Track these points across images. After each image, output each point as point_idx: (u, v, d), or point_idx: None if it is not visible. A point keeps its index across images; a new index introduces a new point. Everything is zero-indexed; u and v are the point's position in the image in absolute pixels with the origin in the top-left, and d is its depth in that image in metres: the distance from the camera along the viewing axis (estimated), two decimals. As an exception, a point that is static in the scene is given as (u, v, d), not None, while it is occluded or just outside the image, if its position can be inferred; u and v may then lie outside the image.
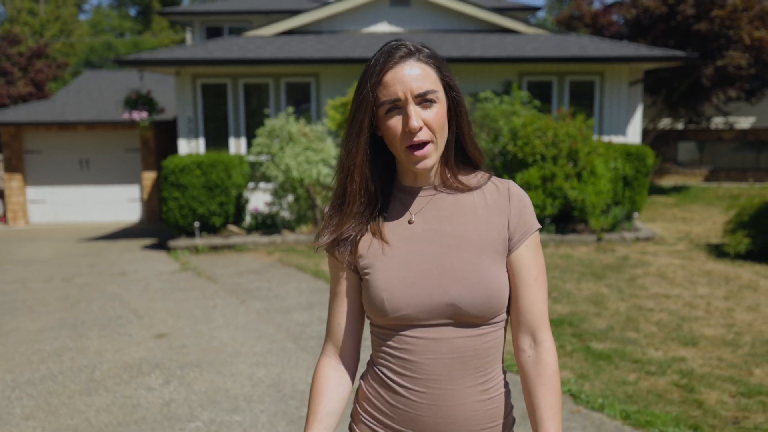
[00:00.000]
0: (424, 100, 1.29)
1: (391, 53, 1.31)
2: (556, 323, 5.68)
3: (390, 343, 1.37)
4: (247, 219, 11.33)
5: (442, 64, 1.34)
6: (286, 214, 10.86)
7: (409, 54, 1.31)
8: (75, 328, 5.97)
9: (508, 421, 1.42)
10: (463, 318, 1.32)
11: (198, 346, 5.36)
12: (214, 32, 18.15)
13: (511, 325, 1.42)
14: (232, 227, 10.71)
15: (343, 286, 1.43)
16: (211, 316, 6.29)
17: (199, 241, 10.18)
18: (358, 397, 1.47)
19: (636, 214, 10.74)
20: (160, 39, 49.43)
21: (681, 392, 4.20)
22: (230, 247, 10.10)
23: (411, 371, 1.34)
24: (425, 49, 1.34)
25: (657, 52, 11.57)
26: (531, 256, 1.37)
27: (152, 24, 52.24)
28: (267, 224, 10.84)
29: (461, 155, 1.42)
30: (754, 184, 16.34)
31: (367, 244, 1.39)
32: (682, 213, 13.59)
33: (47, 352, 5.31)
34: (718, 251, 8.93)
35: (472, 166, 1.43)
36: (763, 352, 4.92)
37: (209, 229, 10.61)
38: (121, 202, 15.96)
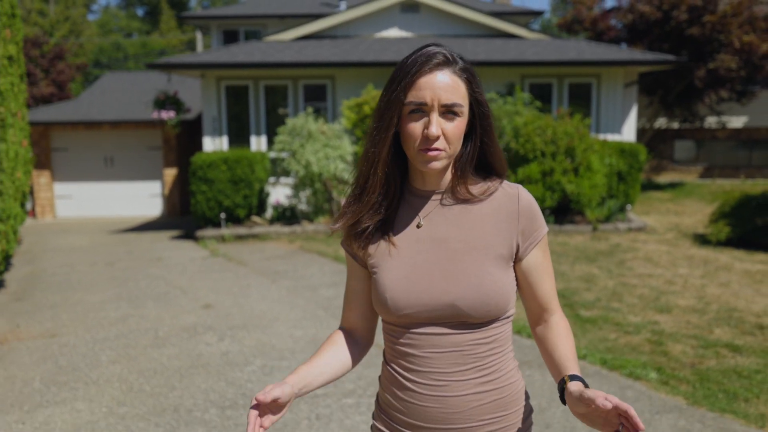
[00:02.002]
0: (448, 111, 1.34)
1: (429, 58, 1.35)
2: (551, 296, 6.52)
3: (396, 339, 1.44)
4: (269, 211, 12.19)
5: (473, 79, 1.39)
6: (303, 206, 11.72)
7: (446, 63, 1.35)
8: (131, 300, 6.85)
9: (520, 412, 1.47)
10: (461, 318, 1.38)
11: (241, 314, 6.23)
12: (230, 35, 19.01)
13: (527, 311, 1.53)
14: (255, 218, 11.59)
15: (357, 279, 1.53)
16: (247, 292, 7.16)
17: (225, 231, 11.05)
18: (378, 399, 1.55)
19: (629, 207, 11.57)
20: (168, 39, 50.01)
21: (651, 346, 5.05)
22: (254, 237, 10.97)
23: (417, 365, 1.41)
24: (461, 61, 1.38)
25: (649, 56, 12.40)
26: (542, 255, 1.47)
27: (160, 24, 52.87)
28: (287, 216, 11.70)
29: (481, 165, 1.48)
30: (745, 181, 17.15)
31: (376, 243, 1.46)
32: (676, 207, 14.40)
33: (113, 318, 6.19)
34: (702, 239, 9.76)
35: (488, 174, 1.49)
36: (725, 317, 5.76)
37: (234, 220, 11.48)
38: (143, 198, 16.80)
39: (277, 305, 6.55)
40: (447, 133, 1.34)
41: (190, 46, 47.11)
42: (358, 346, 1.54)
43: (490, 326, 1.40)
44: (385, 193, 1.43)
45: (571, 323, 5.67)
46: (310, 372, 1.41)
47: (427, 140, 1.33)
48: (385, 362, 1.51)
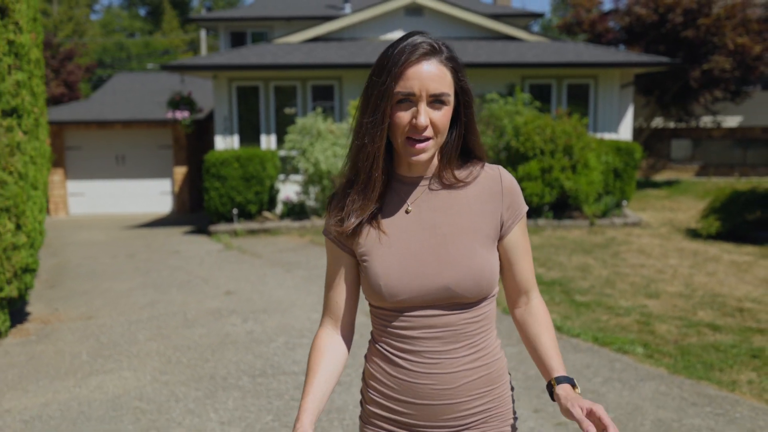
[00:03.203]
0: (436, 100, 1.36)
1: (415, 48, 1.35)
2: (549, 284, 7.01)
3: (387, 321, 1.47)
4: (279, 207, 12.67)
5: (459, 67, 1.41)
6: (312, 203, 12.20)
7: (432, 52, 1.37)
8: (157, 288, 7.34)
9: (505, 386, 1.54)
10: (455, 299, 1.43)
11: (261, 300, 6.71)
12: (237, 36, 19.49)
13: (506, 291, 1.59)
14: (266, 213, 12.08)
15: (340, 267, 1.52)
16: (264, 281, 7.64)
17: (238, 225, 11.54)
18: (365, 376, 1.57)
19: (625, 203, 12.05)
20: (170, 39, 50.35)
21: (640, 326, 5.53)
22: (265, 231, 11.46)
23: (410, 345, 1.44)
24: (445, 50, 1.39)
25: (645, 58, 12.89)
26: (521, 234, 1.52)
27: (163, 24, 53.23)
28: (296, 211, 12.19)
29: (462, 151, 1.51)
30: (740, 179, 17.63)
31: (365, 232, 1.47)
32: (671, 204, 14.87)
33: (142, 303, 6.68)
34: (693, 233, 10.24)
35: (471, 160, 1.53)
36: (709, 301, 6.24)
37: (245, 215, 11.97)
38: (154, 195, 17.28)
39: (294, 292, 7.03)
40: (435, 122, 1.36)
41: (193, 46, 47.54)
42: (344, 343, 1.54)
43: (479, 305, 1.46)
44: (374, 181, 1.44)
45: (567, 307, 6.15)
46: (320, 400, 1.43)
47: (416, 130, 1.35)
48: (373, 341, 1.53)
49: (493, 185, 1.49)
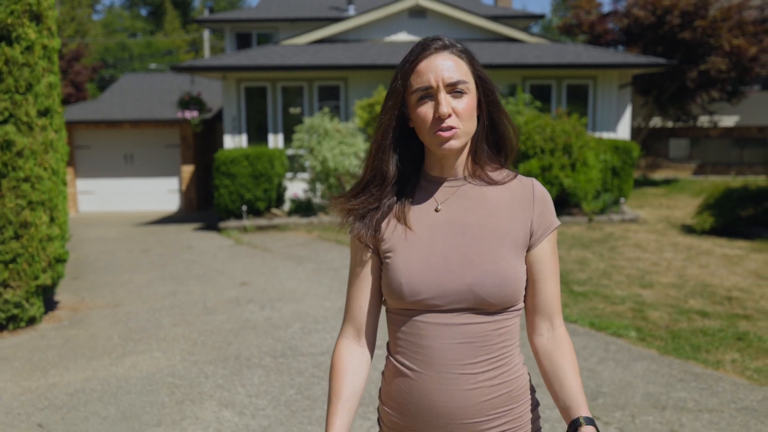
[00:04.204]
0: (454, 90, 1.35)
1: (426, 45, 1.38)
2: (548, 275, 7.36)
3: (404, 329, 1.41)
4: (287, 203, 13.04)
5: (473, 59, 1.40)
6: (318, 200, 12.57)
7: (444, 47, 1.37)
8: (175, 280, 7.70)
9: (527, 405, 1.46)
10: (479, 304, 1.36)
11: (275, 290, 7.08)
12: (243, 38, 19.86)
13: (527, 314, 1.49)
14: (275, 210, 12.44)
15: (365, 268, 1.48)
16: (276, 273, 8.00)
17: (247, 222, 11.90)
18: (381, 397, 1.51)
19: (623, 200, 12.42)
20: (172, 39, 50.69)
21: (634, 313, 5.89)
22: (274, 227, 11.82)
23: (424, 356, 1.38)
24: (458, 44, 1.40)
25: (642, 59, 13.25)
26: (550, 251, 1.45)
27: (164, 24, 53.53)
28: (304, 208, 12.55)
29: (490, 150, 1.48)
30: (736, 177, 17.97)
31: (391, 228, 1.44)
32: (668, 202, 15.23)
33: (164, 293, 7.04)
34: (688, 229, 10.61)
35: (499, 161, 1.49)
36: (700, 291, 6.61)
37: (254, 212, 12.33)
38: (162, 193, 17.65)
39: (306, 283, 7.39)
40: (458, 111, 1.35)
41: (194, 46, 47.89)
42: (366, 353, 1.50)
43: (502, 316, 1.39)
44: (395, 181, 1.46)
45: (565, 297, 6.51)
46: (347, 421, 1.41)
47: (440, 121, 1.34)
48: (389, 355, 1.48)
49: (526, 193, 1.45)
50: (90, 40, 47.95)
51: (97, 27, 51.72)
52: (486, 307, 1.37)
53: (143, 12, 60.10)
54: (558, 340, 1.46)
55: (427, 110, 1.35)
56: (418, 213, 1.45)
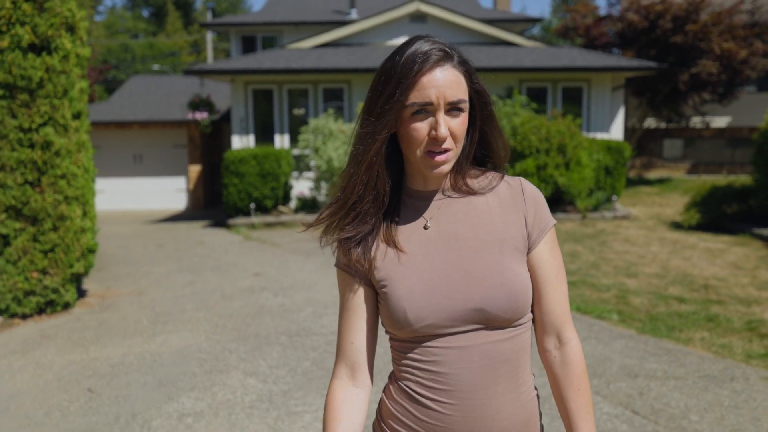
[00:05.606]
0: (453, 108, 1.27)
1: (427, 55, 1.27)
2: (541, 267, 7.89)
3: (414, 356, 1.32)
4: (293, 201, 13.58)
5: (471, 70, 1.32)
6: (323, 198, 13.10)
7: (445, 58, 1.28)
8: (192, 271, 8.24)
9: (538, 425, 1.39)
10: (490, 321, 1.28)
11: (287, 280, 7.61)
12: (248, 41, 20.39)
13: (535, 326, 1.39)
14: (281, 208, 12.98)
15: (356, 301, 1.37)
16: (286, 266, 8.53)
17: (255, 219, 12.43)
18: (382, 415, 1.41)
19: (615, 198, 12.95)
20: (174, 40, 51.16)
21: (617, 299, 6.42)
22: (281, 224, 12.36)
23: (441, 383, 1.29)
24: (456, 54, 1.31)
25: (634, 62, 13.79)
26: (549, 252, 1.36)
27: (166, 25, 53.98)
28: (309, 205, 13.09)
29: (476, 158, 1.41)
30: (728, 177, 18.51)
31: (381, 254, 1.34)
32: (661, 200, 15.76)
33: (182, 282, 7.58)
34: (677, 225, 11.13)
35: (485, 166, 1.42)
36: (680, 280, 7.14)
37: (262, 209, 12.87)
38: (170, 192, 18.20)
39: (315, 274, 7.92)
40: (453, 131, 1.27)
41: (196, 47, 48.43)
42: (362, 396, 1.38)
43: (515, 330, 1.31)
44: (381, 199, 1.33)
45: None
46: None
47: (436, 141, 1.26)
48: (395, 379, 1.38)
49: (515, 194, 1.37)
50: (92, 42, 48.37)
51: (99, 28, 52.13)
52: (497, 323, 1.29)
53: (145, 13, 60.47)
54: (567, 358, 1.37)
55: (422, 127, 1.26)
56: (407, 233, 1.35)
